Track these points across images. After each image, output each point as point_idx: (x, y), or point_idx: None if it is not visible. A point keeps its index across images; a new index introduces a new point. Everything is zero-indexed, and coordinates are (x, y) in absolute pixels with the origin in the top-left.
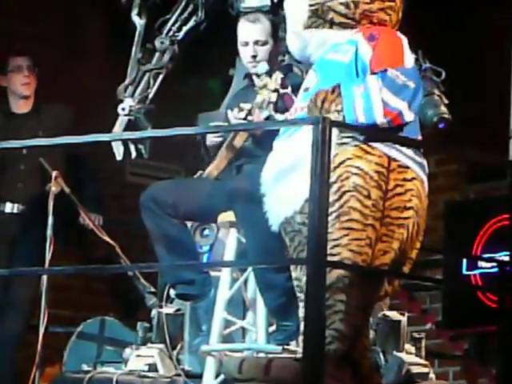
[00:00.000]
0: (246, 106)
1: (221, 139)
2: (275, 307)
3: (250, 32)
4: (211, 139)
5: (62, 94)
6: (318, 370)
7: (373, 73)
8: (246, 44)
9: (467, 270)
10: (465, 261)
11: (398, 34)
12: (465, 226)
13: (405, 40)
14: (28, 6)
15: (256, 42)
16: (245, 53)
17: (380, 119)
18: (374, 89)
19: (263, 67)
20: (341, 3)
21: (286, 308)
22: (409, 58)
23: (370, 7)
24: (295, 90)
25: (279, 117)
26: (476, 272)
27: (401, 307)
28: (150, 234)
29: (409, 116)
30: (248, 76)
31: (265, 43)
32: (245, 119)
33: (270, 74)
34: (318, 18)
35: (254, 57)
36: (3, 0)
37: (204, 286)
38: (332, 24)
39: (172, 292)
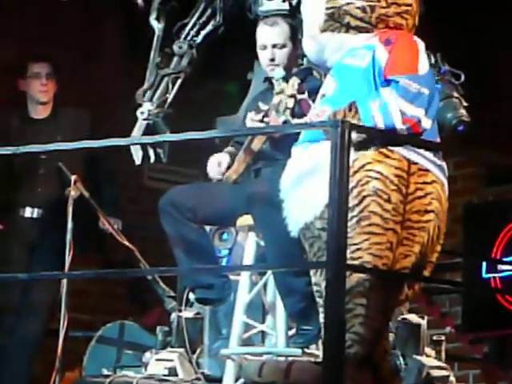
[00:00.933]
0: (263, 108)
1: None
2: (296, 312)
3: (269, 35)
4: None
5: (81, 98)
6: (338, 373)
7: (386, 79)
8: (265, 47)
9: (487, 272)
10: (484, 264)
11: (415, 38)
12: (484, 229)
13: (421, 44)
14: (47, 10)
15: (274, 46)
16: (263, 56)
17: (399, 126)
18: (389, 100)
19: (280, 73)
20: (357, 7)
21: (306, 312)
22: (424, 64)
23: (387, 11)
24: (314, 94)
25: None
26: (496, 275)
27: (420, 311)
28: (169, 238)
29: (426, 123)
30: (268, 79)
31: (283, 46)
32: (261, 121)
33: (286, 79)
34: (335, 21)
35: (273, 60)
36: (23, 4)
37: (223, 290)
38: (348, 28)
39: (191, 296)
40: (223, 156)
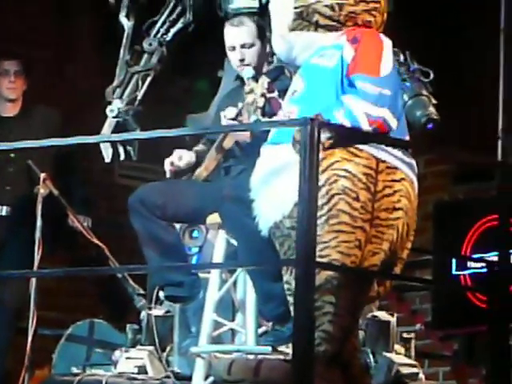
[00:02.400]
0: (237, 107)
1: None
2: (275, 316)
3: (236, 36)
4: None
5: (51, 95)
6: (308, 371)
7: (347, 78)
8: (234, 48)
9: (457, 270)
10: (454, 261)
11: (381, 36)
12: (454, 227)
13: (387, 43)
14: (19, 8)
15: (243, 46)
16: (233, 57)
17: (366, 128)
18: (353, 105)
19: (249, 72)
20: (325, 5)
21: (285, 316)
22: (387, 64)
23: (355, 9)
24: (285, 93)
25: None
26: (465, 272)
27: (390, 308)
28: (138, 235)
29: (393, 123)
30: (239, 77)
31: (251, 46)
32: (234, 119)
33: (256, 78)
34: (303, 20)
35: (242, 60)
36: None
37: (193, 287)
38: (317, 26)
39: (161, 294)
40: (186, 152)
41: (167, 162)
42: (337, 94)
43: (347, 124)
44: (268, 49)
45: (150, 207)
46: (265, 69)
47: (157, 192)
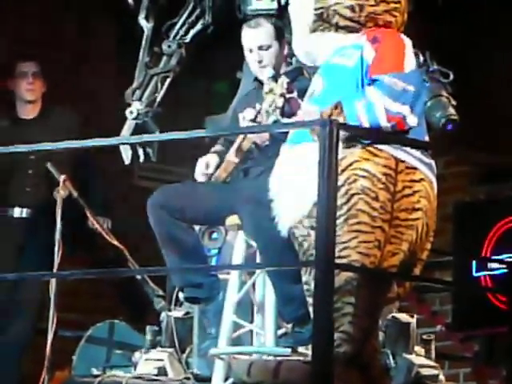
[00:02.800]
0: (256, 108)
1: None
2: (295, 318)
3: (253, 38)
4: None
5: (70, 97)
6: (327, 372)
7: (371, 78)
8: (251, 50)
9: (477, 271)
10: (474, 262)
11: (402, 36)
12: (474, 228)
13: (408, 42)
14: (36, 11)
15: (260, 47)
16: (251, 59)
17: (384, 124)
18: (374, 98)
19: (269, 72)
20: (346, 6)
21: (305, 318)
22: (410, 62)
23: (375, 10)
24: (304, 94)
25: (286, 121)
26: (486, 273)
27: (410, 309)
28: (157, 238)
29: (412, 120)
30: (257, 79)
31: (269, 47)
32: (253, 120)
33: (275, 78)
34: (324, 21)
35: (260, 62)
36: (11, 4)
37: (212, 289)
38: (337, 27)
39: (181, 295)
40: (211, 157)
41: (198, 173)
42: (358, 88)
43: (364, 116)
44: (286, 50)
45: (169, 209)
46: (283, 70)
47: (176, 194)
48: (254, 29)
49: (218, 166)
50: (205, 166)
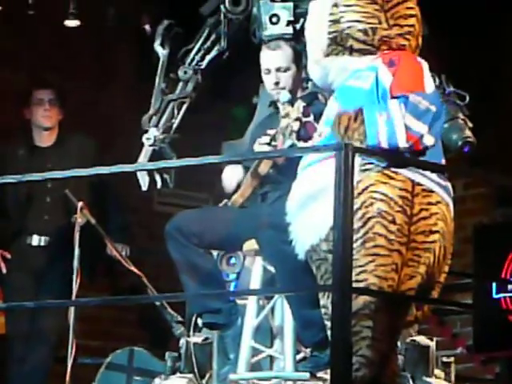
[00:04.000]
0: (271, 132)
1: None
2: (314, 343)
3: (272, 59)
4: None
5: (88, 124)
6: None
7: (393, 97)
8: (269, 71)
9: (497, 293)
10: (494, 284)
11: (418, 58)
12: (494, 250)
13: (425, 65)
14: (55, 37)
15: (278, 69)
16: (268, 80)
17: (402, 144)
18: (397, 115)
19: (285, 96)
20: (359, 30)
21: (324, 342)
22: (429, 83)
23: (389, 33)
24: (320, 118)
25: (302, 145)
26: (506, 295)
27: (431, 332)
28: (175, 263)
29: (428, 140)
30: (273, 104)
31: (287, 70)
32: (269, 144)
33: (292, 102)
34: (338, 45)
35: (277, 83)
36: (29, 32)
37: (231, 314)
38: (352, 51)
39: (200, 321)
40: (235, 169)
41: (226, 185)
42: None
43: (384, 133)
44: (303, 74)
45: (186, 235)
46: (299, 94)
47: (193, 220)
48: (274, 51)
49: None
50: (231, 176)
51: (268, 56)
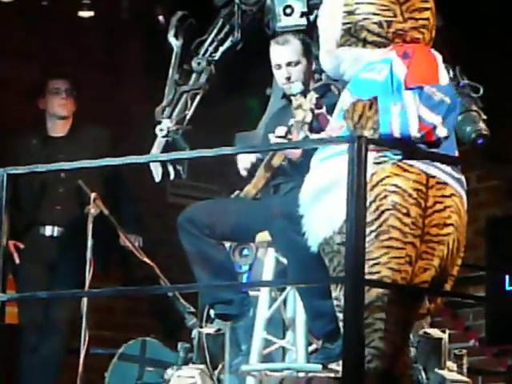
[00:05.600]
0: (286, 126)
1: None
2: (325, 334)
3: (281, 54)
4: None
5: (101, 115)
6: None
7: (408, 88)
8: (279, 67)
9: (510, 285)
10: (507, 277)
11: (432, 51)
12: (507, 242)
13: (439, 57)
14: (67, 30)
15: (288, 64)
16: (279, 75)
17: (415, 134)
18: (411, 106)
19: (297, 87)
20: (374, 22)
21: (335, 333)
22: (443, 75)
23: (403, 26)
24: (333, 109)
25: (314, 137)
26: None
27: (444, 324)
28: (188, 255)
29: (441, 131)
30: (285, 96)
31: (297, 63)
32: (284, 137)
33: (304, 94)
34: (351, 36)
35: (288, 78)
36: (43, 23)
37: (243, 305)
38: (365, 43)
39: (211, 312)
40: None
41: (241, 167)
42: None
43: (397, 123)
44: (314, 66)
45: (199, 226)
46: (312, 86)
47: (206, 211)
48: (282, 45)
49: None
50: (245, 162)
51: (277, 51)
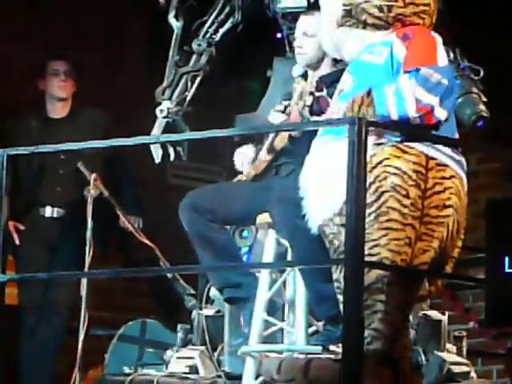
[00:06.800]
0: (285, 102)
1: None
2: (329, 317)
3: (300, 23)
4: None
5: (101, 97)
6: (358, 370)
7: (405, 71)
8: (296, 36)
9: (509, 267)
10: (507, 259)
11: (432, 33)
12: (506, 224)
13: (439, 39)
14: (67, 11)
15: (304, 33)
16: (295, 44)
17: (412, 114)
18: (405, 87)
19: (298, 70)
20: (374, 6)
21: (338, 317)
22: (442, 57)
23: (404, 11)
24: None
25: (315, 119)
26: None
27: (443, 306)
28: (191, 239)
29: (440, 113)
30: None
31: (312, 36)
32: (283, 112)
33: (305, 77)
34: (352, 18)
35: (300, 47)
36: (41, 6)
37: (251, 288)
38: (365, 24)
39: (212, 293)
40: (246, 149)
41: (238, 164)
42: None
43: (393, 104)
44: None
45: (200, 212)
46: (324, 71)
47: (207, 196)
48: (305, 15)
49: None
50: (243, 156)
51: (299, 21)
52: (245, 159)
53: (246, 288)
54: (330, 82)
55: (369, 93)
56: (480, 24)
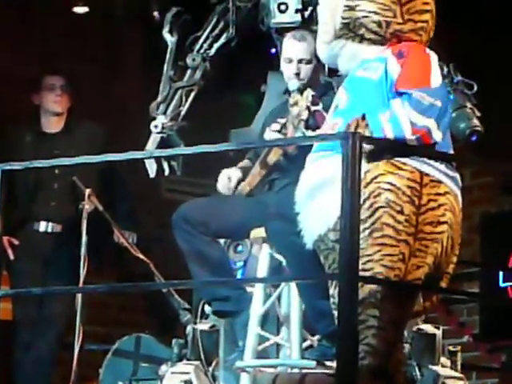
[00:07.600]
0: (282, 120)
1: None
2: (328, 334)
3: (296, 50)
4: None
5: (96, 111)
6: None
7: (397, 91)
8: (290, 61)
9: (504, 282)
10: (501, 273)
11: (427, 50)
12: (501, 238)
13: (434, 57)
14: (63, 25)
15: (300, 61)
16: (288, 69)
17: (409, 137)
18: (399, 112)
19: (294, 84)
20: (373, 21)
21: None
22: (436, 77)
23: (402, 28)
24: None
25: (310, 134)
26: None
27: (438, 320)
28: (183, 252)
29: (437, 135)
30: (287, 91)
31: (309, 62)
32: (279, 132)
33: (301, 91)
34: (349, 31)
35: (297, 74)
36: (39, 19)
37: (240, 301)
38: (362, 39)
39: (207, 308)
40: (233, 171)
41: (221, 186)
42: (383, 101)
43: (389, 128)
44: (322, 67)
45: (192, 224)
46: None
47: (199, 209)
48: (299, 41)
49: (239, 182)
50: (227, 180)
51: (293, 46)
52: (229, 184)
53: (234, 301)
54: (318, 96)
55: (363, 116)
56: (474, 38)
